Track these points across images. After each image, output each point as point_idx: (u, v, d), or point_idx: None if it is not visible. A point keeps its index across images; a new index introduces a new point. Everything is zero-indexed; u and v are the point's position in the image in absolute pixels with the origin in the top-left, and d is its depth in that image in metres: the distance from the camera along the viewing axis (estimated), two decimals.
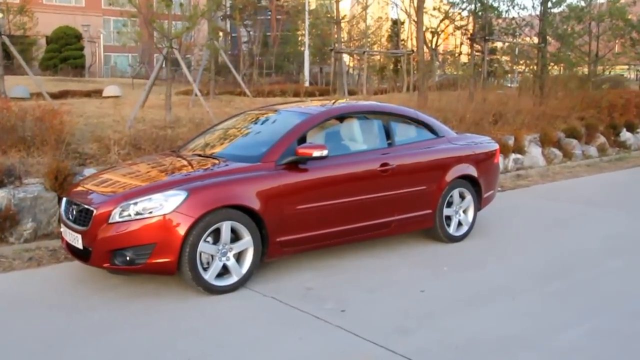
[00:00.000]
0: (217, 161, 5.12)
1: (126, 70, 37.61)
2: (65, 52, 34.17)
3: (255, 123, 5.85)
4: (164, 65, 10.32)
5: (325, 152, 4.99)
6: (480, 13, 15.78)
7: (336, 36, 21.23)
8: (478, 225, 6.63)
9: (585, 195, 8.99)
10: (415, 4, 16.64)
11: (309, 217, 5.10)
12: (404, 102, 13.91)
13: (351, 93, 15.82)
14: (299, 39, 36.29)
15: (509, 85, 19.18)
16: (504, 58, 19.56)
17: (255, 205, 4.74)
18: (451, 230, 6.22)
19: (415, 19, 25.11)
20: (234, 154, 5.21)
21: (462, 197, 6.32)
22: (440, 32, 27.44)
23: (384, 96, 15.07)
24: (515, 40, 16.31)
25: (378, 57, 27.36)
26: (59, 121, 7.63)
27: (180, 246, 4.42)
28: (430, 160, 6.02)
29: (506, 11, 15.62)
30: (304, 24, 25.83)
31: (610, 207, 8.09)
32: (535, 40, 16.24)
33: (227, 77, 31.53)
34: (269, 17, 42.44)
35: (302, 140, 5.27)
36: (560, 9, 16.42)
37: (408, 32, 25.99)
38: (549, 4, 15.55)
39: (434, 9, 21.39)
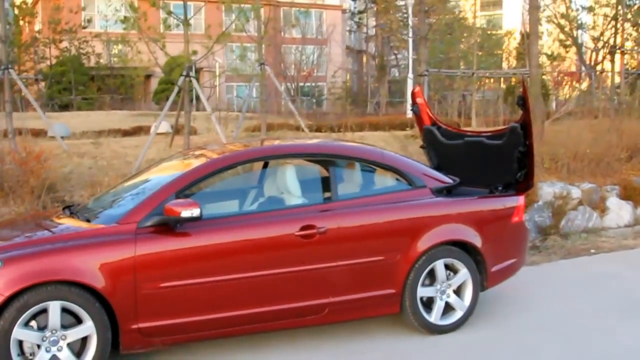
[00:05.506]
0: (74, 221, 4.14)
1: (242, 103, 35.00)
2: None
3: (164, 170, 4.72)
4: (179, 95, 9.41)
5: (196, 212, 3.76)
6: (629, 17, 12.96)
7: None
8: (497, 304, 4.90)
9: None
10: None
11: (185, 298, 3.90)
12: None
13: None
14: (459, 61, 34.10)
15: None
16: None
17: (97, 281, 3.67)
18: (432, 317, 4.56)
19: (568, 33, 22.08)
20: (104, 212, 4.20)
21: (452, 270, 4.64)
22: (600, 48, 23.91)
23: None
24: None
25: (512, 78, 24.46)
26: (36, 165, 6.89)
27: None
28: (392, 220, 4.45)
29: None
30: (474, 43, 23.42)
31: None
32: None
33: (360, 106, 30.66)
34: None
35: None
36: None
37: (547, 47, 22.76)
38: None
39: (562, 16, 18.38)
